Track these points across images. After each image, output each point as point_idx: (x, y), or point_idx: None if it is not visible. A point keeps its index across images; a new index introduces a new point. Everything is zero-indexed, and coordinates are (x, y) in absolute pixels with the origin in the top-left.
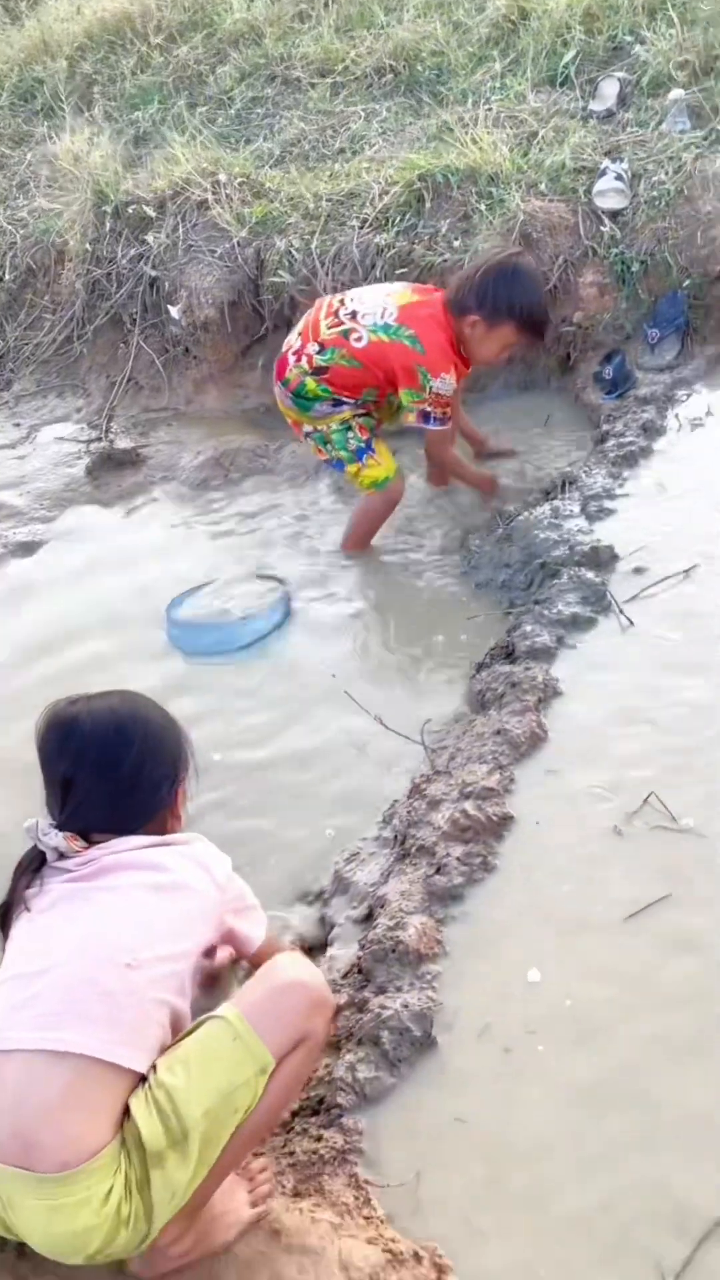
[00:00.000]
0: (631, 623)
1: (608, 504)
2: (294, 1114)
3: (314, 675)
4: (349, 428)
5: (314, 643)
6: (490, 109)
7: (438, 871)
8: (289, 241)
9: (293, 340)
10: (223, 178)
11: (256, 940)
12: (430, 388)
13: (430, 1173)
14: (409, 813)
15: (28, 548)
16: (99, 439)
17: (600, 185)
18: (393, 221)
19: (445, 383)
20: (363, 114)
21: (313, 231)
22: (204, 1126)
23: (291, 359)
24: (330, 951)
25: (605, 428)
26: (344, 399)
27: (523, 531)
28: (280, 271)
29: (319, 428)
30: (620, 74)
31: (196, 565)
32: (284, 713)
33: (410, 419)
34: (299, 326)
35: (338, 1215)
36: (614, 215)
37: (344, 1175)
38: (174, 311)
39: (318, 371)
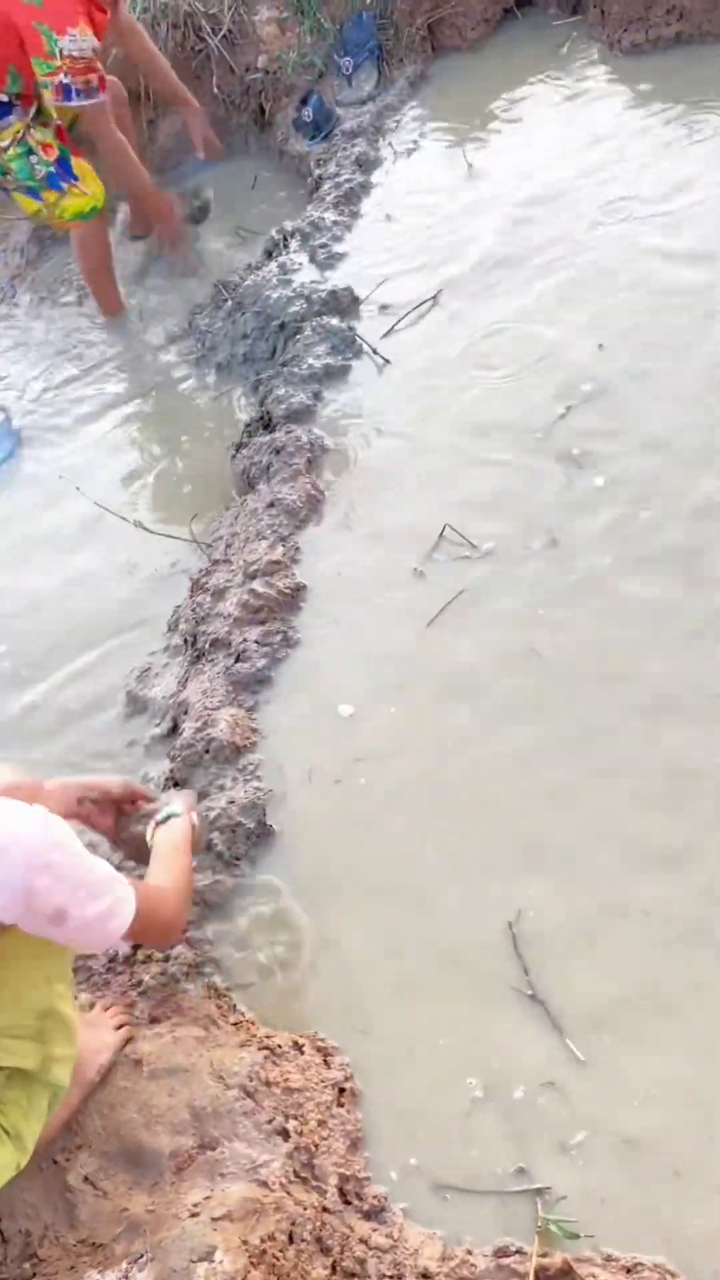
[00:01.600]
0: (388, 361)
1: (337, 248)
2: (135, 947)
3: (56, 496)
4: (28, 149)
5: (48, 465)
6: None
7: (238, 660)
8: None
9: None
10: None
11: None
12: (59, 49)
13: (293, 962)
14: (194, 610)
15: None
16: None
17: None
18: None
19: (76, 40)
20: None
21: None
22: (53, 994)
23: None
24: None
25: (318, 172)
26: (3, 100)
27: (253, 296)
28: None
29: None
30: None
31: None
32: (29, 540)
33: (49, 99)
34: None
35: (202, 1028)
36: None
37: (200, 988)
38: None
39: None
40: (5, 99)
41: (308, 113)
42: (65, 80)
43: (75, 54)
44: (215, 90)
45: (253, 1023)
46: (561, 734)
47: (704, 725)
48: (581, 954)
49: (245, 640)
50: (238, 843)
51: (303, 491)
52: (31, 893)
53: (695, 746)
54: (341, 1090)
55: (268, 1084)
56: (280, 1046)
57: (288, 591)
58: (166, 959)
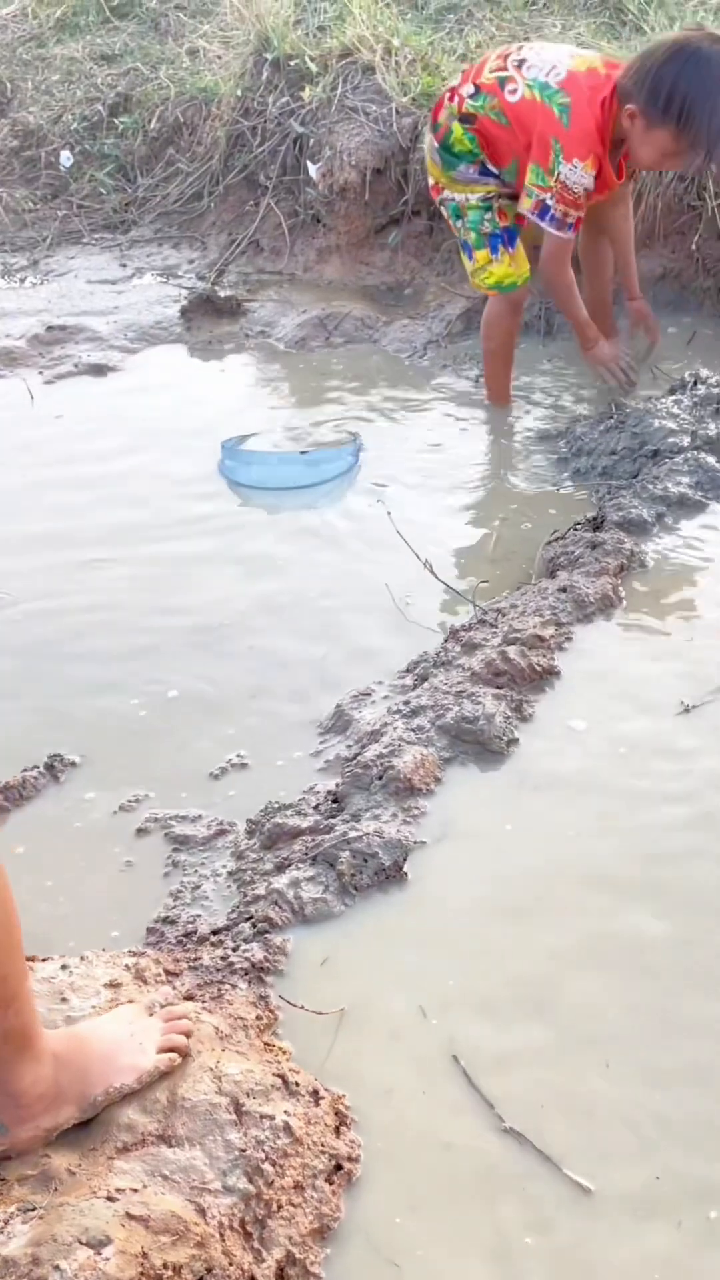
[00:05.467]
0: None
1: None
2: (215, 931)
3: (368, 520)
4: (489, 206)
5: (373, 496)
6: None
7: (458, 710)
8: None
9: (454, 80)
10: (396, 43)
11: None
12: (559, 172)
13: (358, 1017)
14: (438, 654)
15: (99, 370)
16: (202, 283)
17: None
18: None
19: (576, 171)
20: (559, 26)
21: None
22: None
23: (446, 98)
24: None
25: None
26: (490, 170)
27: (636, 419)
28: None
29: (457, 196)
30: None
31: (272, 418)
32: (326, 553)
33: (525, 205)
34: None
35: (229, 1028)
36: None
37: (252, 992)
38: (313, 169)
39: (466, 119)
40: (496, 172)
41: None
42: (549, 201)
43: (570, 184)
44: (692, 248)
45: (285, 1051)
46: None
47: None
48: None
49: (474, 696)
50: (364, 872)
51: (601, 589)
52: None
53: None
54: (339, 1167)
55: (263, 1115)
56: (297, 1085)
57: (539, 669)
58: (235, 948)
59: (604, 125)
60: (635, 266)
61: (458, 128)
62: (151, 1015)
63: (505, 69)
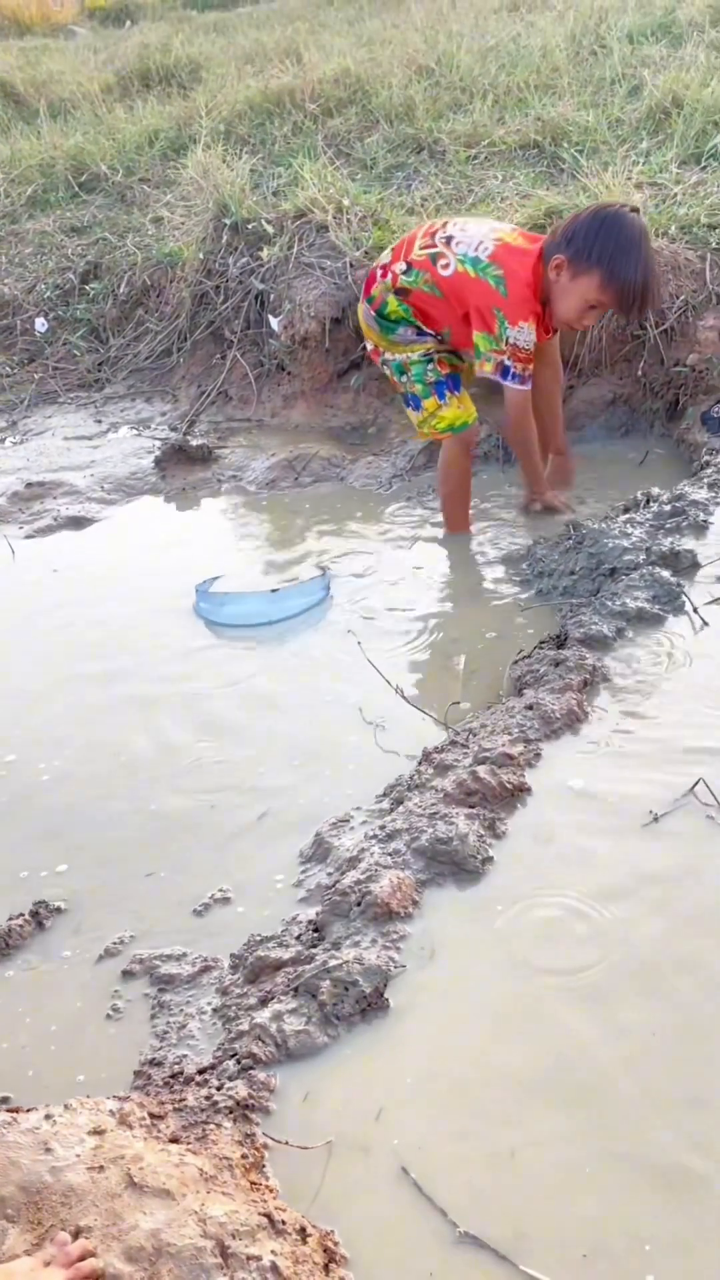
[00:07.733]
0: (706, 624)
1: (694, 518)
2: (201, 1070)
3: (340, 650)
4: (430, 359)
5: (344, 626)
6: (630, 178)
7: (431, 832)
8: None
9: (384, 256)
10: (346, 202)
11: None
12: (507, 337)
13: (345, 1149)
14: (412, 777)
15: (78, 522)
16: (174, 433)
17: None
18: None
19: (524, 332)
20: (500, 177)
21: None
22: None
23: (379, 274)
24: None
25: (706, 458)
26: (427, 331)
27: (593, 539)
28: None
29: (398, 355)
30: None
31: (246, 558)
32: (300, 684)
33: (486, 369)
34: (394, 244)
35: (214, 1169)
36: None
37: (238, 1131)
38: (274, 322)
39: (401, 292)
40: (432, 332)
41: (718, 410)
42: (508, 362)
43: (520, 344)
44: (639, 374)
45: (273, 1190)
46: None
47: None
48: None
49: (447, 817)
50: (346, 1001)
51: (567, 705)
52: None
53: None
54: None
55: (249, 1256)
56: (284, 1223)
57: (509, 787)
58: (220, 1086)
59: (536, 287)
60: (562, 422)
61: (392, 300)
62: (49, 1265)
63: (435, 245)
